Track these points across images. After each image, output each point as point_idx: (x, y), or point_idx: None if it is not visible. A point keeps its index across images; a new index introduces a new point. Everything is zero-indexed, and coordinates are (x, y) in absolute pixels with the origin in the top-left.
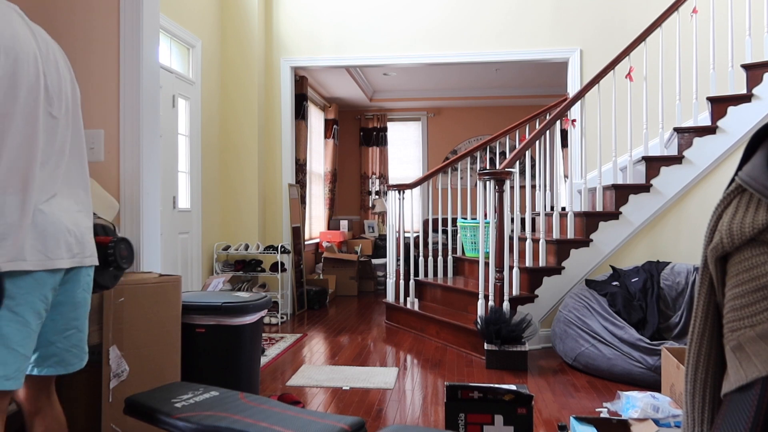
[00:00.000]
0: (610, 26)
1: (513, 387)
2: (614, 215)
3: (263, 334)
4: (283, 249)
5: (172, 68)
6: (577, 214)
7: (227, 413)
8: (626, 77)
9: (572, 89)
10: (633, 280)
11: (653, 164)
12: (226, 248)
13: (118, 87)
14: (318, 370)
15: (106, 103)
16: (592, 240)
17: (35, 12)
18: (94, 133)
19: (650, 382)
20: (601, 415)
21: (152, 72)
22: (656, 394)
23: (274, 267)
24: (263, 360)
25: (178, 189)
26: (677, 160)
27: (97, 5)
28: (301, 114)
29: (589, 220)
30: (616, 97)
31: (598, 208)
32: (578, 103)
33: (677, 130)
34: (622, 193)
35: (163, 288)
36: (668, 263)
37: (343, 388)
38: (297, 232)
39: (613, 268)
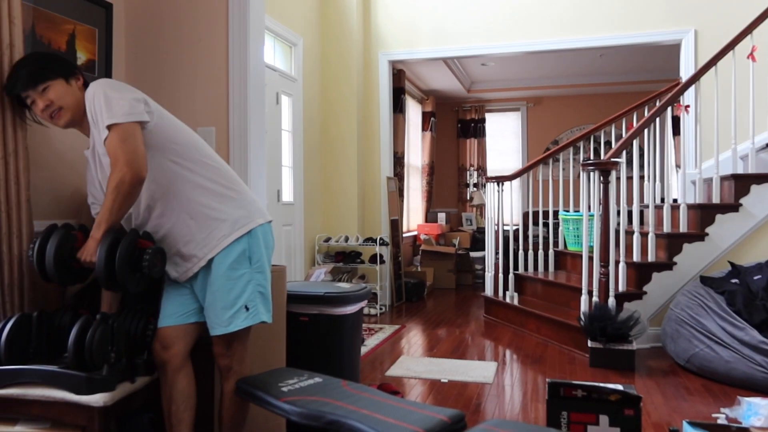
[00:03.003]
0: (728, 3)
1: (619, 387)
2: (734, 207)
3: (362, 325)
4: (381, 241)
5: (276, 66)
6: (690, 207)
7: (330, 399)
8: (748, 57)
9: (685, 73)
10: (755, 278)
11: None
12: (327, 240)
13: (228, 87)
14: (416, 362)
15: (217, 102)
16: (707, 234)
17: (149, 19)
18: (206, 130)
19: None
20: (718, 421)
21: (259, 71)
22: None
23: (373, 259)
24: (363, 349)
25: (282, 183)
26: None
27: (207, 11)
28: (398, 107)
29: (705, 213)
30: (736, 79)
31: (715, 199)
32: (692, 88)
33: None
34: (742, 183)
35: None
36: None
37: (441, 380)
38: (395, 225)
39: (732, 264)
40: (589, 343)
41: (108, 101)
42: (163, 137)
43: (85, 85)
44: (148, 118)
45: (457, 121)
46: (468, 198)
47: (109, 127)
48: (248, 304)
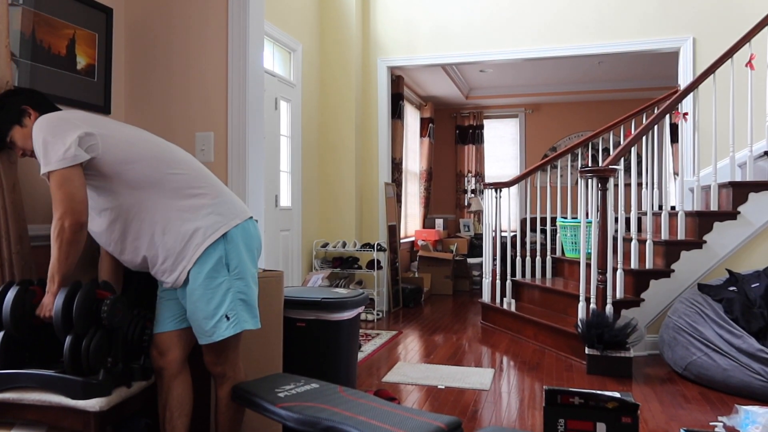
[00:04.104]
0: (726, 11)
1: (617, 394)
2: (731, 215)
3: (359, 330)
4: (379, 247)
5: (275, 72)
6: (688, 214)
7: (327, 405)
8: (746, 65)
9: (683, 81)
10: (753, 286)
11: None
12: (325, 245)
13: (227, 92)
14: (413, 368)
15: (216, 106)
16: (705, 241)
17: (150, 24)
18: (204, 135)
19: None
20: (716, 430)
21: (257, 77)
22: None
23: (371, 264)
24: (359, 355)
25: (280, 188)
26: None
27: (207, 16)
28: (397, 113)
29: (703, 220)
30: (734, 87)
31: (713, 207)
32: (691, 95)
33: None
34: (740, 191)
35: (267, 283)
36: None
37: (438, 386)
38: (393, 231)
39: (729, 272)
40: (587, 351)
41: (45, 147)
42: (118, 163)
43: (39, 110)
44: (85, 156)
45: (455, 128)
46: (466, 204)
47: (48, 176)
48: (228, 313)
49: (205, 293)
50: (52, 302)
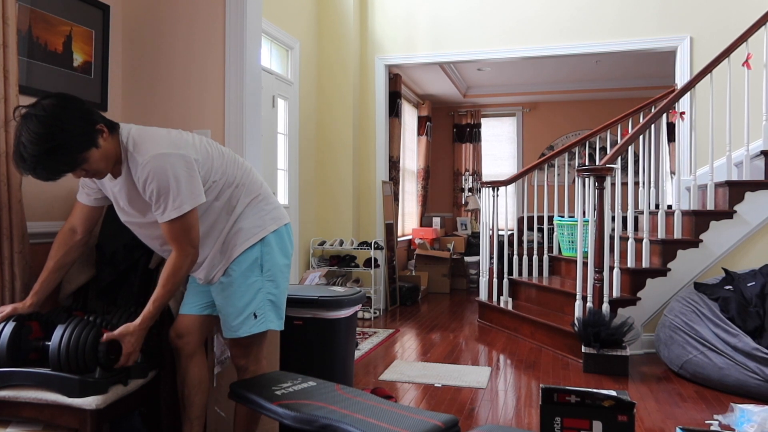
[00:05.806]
0: (724, 11)
1: (613, 393)
2: (728, 214)
3: (356, 329)
4: (376, 245)
5: (272, 69)
6: (685, 213)
7: (324, 403)
8: (743, 65)
9: (680, 80)
10: (749, 285)
11: None
12: (322, 243)
13: (224, 90)
14: (410, 366)
15: (213, 104)
16: (701, 240)
17: (147, 21)
18: (201, 133)
19: None
20: (711, 428)
21: (254, 75)
22: None
23: (368, 263)
24: (357, 353)
25: (278, 186)
26: None
27: (204, 13)
28: (394, 111)
29: (699, 220)
30: (731, 86)
31: (709, 206)
32: (688, 94)
33: None
34: (737, 190)
35: None
36: None
37: (435, 385)
38: (390, 229)
39: (726, 271)
40: (583, 349)
41: (177, 192)
42: (206, 182)
43: (108, 127)
44: (204, 197)
45: (452, 126)
46: (463, 202)
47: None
48: (257, 311)
49: (237, 290)
50: (138, 344)
